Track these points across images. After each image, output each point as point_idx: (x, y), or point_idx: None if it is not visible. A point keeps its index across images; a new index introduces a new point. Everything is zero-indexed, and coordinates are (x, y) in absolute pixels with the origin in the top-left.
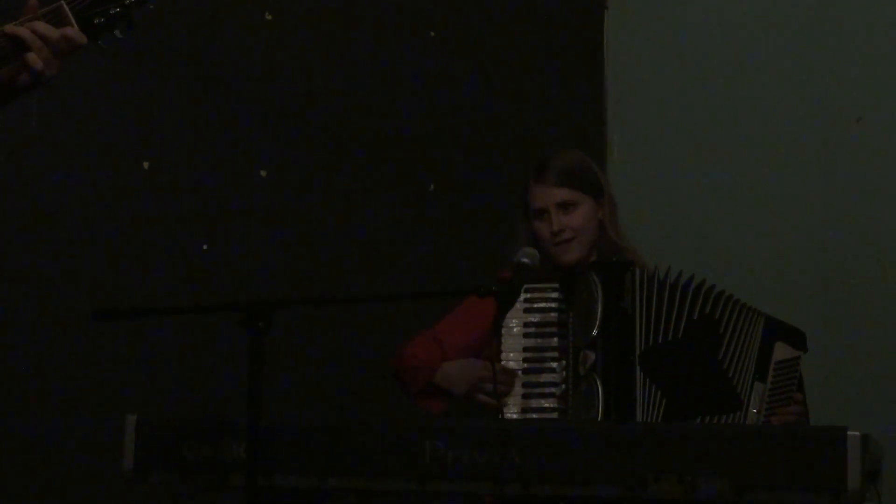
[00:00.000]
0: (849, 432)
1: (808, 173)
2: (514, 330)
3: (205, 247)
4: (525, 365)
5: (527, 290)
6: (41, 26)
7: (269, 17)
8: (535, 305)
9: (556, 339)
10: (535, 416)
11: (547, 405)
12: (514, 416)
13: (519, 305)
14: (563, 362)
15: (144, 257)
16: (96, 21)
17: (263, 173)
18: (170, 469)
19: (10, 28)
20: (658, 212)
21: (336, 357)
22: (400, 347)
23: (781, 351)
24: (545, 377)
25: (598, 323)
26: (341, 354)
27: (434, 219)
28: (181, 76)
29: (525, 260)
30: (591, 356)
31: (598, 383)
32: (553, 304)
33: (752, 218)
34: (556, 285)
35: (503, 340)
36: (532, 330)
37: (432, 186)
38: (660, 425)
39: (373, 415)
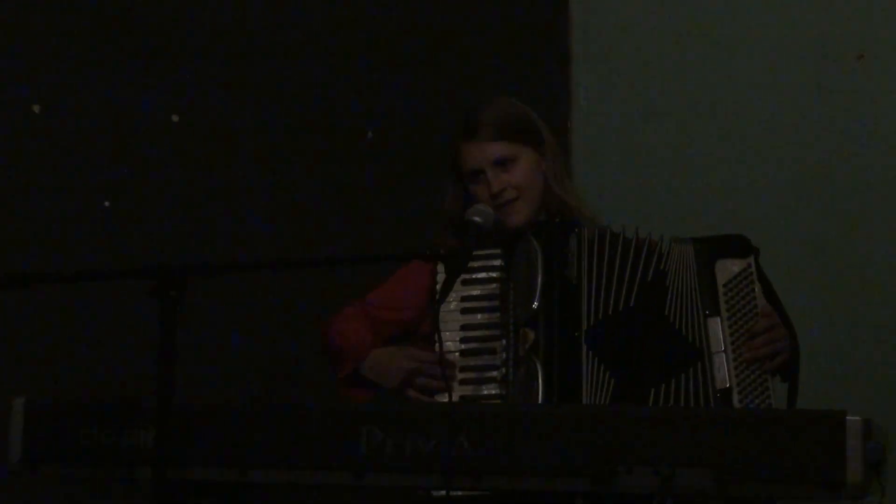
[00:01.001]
0: (848, 417)
1: (804, 114)
2: (451, 305)
3: (106, 203)
4: (463, 346)
5: None
6: None
7: None
8: (476, 276)
9: (498, 316)
10: None
11: (487, 392)
12: None
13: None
14: (504, 342)
15: (36, 215)
16: None
17: (175, 118)
18: (65, 460)
19: None
20: (632, 162)
21: (260, 330)
22: (329, 319)
23: (725, 270)
24: (485, 360)
25: (537, 296)
26: (266, 327)
27: (372, 170)
28: (78, 6)
29: (476, 218)
30: (531, 335)
31: (539, 366)
32: (495, 275)
33: (741, 165)
34: (499, 251)
35: (441, 318)
36: (471, 305)
37: (370, 133)
38: (633, 409)
39: (302, 397)
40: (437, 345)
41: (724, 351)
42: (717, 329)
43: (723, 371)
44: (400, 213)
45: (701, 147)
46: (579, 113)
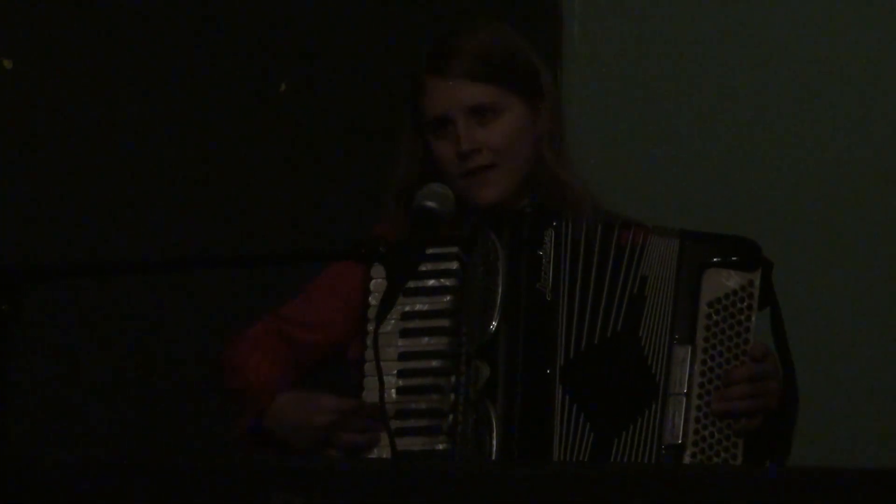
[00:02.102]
0: None
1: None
2: (389, 325)
3: None
4: (401, 382)
5: None
6: None
7: None
8: (424, 284)
9: (450, 340)
10: None
11: (429, 447)
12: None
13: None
14: (452, 378)
15: None
16: None
17: (8, 64)
18: None
19: None
20: (641, 117)
21: (130, 356)
22: (230, 342)
23: (716, 283)
24: (430, 402)
25: (496, 315)
26: (139, 352)
27: (286, 134)
28: None
29: (429, 203)
30: (485, 371)
31: (492, 415)
32: (449, 283)
33: (783, 121)
34: (456, 250)
35: (372, 343)
36: (415, 325)
37: (283, 86)
38: (675, 466)
39: (188, 447)
40: (365, 379)
41: (687, 394)
42: (683, 362)
43: (677, 420)
44: (321, 193)
45: (727, 96)
46: (570, 47)
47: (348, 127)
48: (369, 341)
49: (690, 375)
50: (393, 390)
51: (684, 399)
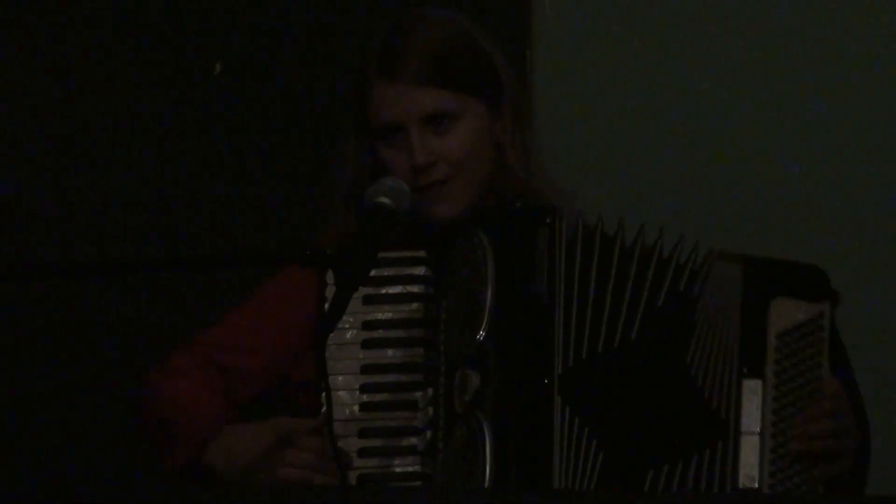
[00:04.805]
0: None
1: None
2: (349, 335)
3: None
4: (364, 398)
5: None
6: None
7: None
8: (386, 291)
9: (421, 351)
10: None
11: (402, 469)
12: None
13: (355, 294)
14: (430, 391)
15: None
16: None
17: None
18: None
19: None
20: (621, 104)
21: (48, 374)
22: (147, 377)
23: (784, 314)
24: (400, 419)
25: (485, 320)
26: (59, 371)
27: (221, 121)
28: None
29: (383, 199)
30: (475, 379)
31: (485, 427)
32: (416, 289)
33: (778, 113)
34: (423, 254)
35: (329, 355)
36: (378, 335)
37: (218, 67)
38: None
39: (116, 477)
40: (322, 395)
41: (761, 433)
42: (755, 398)
43: (752, 462)
44: (261, 187)
45: (711, 82)
46: (543, 29)
47: (303, 111)
48: (326, 353)
49: (763, 413)
50: (356, 406)
51: (759, 438)
